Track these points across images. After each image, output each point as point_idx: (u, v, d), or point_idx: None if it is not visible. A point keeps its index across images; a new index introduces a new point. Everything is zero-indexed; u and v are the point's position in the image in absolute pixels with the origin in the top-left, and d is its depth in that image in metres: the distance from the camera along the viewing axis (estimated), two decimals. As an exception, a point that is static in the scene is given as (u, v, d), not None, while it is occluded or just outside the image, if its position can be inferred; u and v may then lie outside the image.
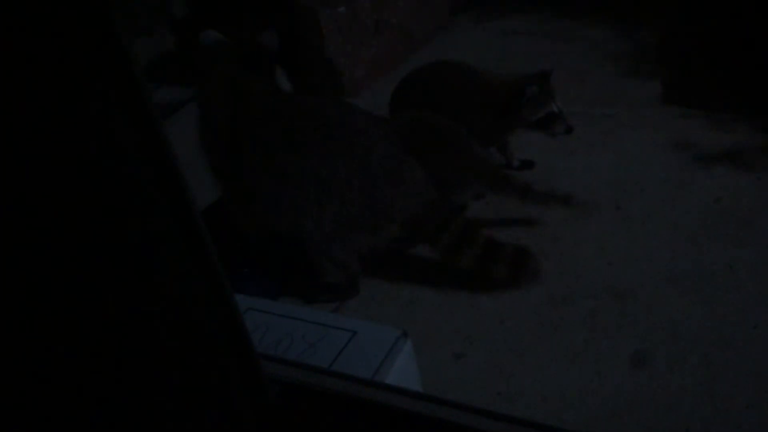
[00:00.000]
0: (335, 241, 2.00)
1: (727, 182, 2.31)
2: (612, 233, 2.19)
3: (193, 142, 2.11)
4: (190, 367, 0.62)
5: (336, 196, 1.93)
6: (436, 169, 2.06)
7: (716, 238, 2.10)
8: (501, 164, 2.56)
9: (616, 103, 2.85)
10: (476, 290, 2.04)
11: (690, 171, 2.40)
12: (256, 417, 0.68)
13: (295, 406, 0.74)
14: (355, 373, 1.21)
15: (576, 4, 3.63)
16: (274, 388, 0.72)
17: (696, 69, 2.95)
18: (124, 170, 0.52)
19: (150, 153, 0.52)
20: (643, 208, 2.27)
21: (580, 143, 2.59)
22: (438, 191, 2.04)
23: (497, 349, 1.86)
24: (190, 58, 2.44)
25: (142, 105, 0.51)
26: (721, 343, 1.77)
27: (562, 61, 3.08)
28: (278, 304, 1.86)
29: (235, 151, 2.03)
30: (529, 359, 1.82)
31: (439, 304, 2.04)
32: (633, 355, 1.78)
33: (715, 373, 1.70)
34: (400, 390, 0.78)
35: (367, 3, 3.17)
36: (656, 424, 1.61)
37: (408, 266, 2.19)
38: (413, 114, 2.30)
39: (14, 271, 0.52)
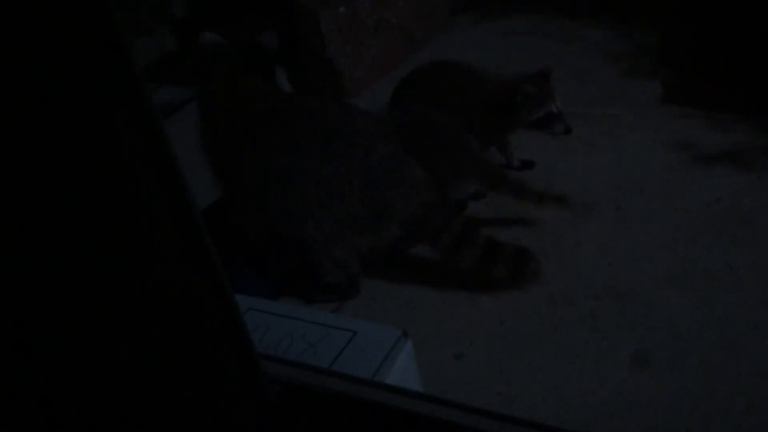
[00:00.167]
0: (335, 241, 2.00)
1: (728, 182, 2.31)
2: (612, 233, 2.19)
3: (193, 142, 2.11)
4: (190, 367, 0.62)
5: (336, 196, 1.93)
6: (432, 165, 2.05)
7: (716, 238, 2.10)
8: (501, 164, 2.56)
9: (617, 103, 2.85)
10: (476, 290, 2.04)
11: (690, 171, 2.40)
12: (256, 417, 0.68)
13: (296, 406, 0.74)
14: (356, 373, 1.21)
15: (576, 4, 3.63)
16: (274, 388, 0.72)
17: (696, 69, 2.95)
18: (124, 170, 0.52)
19: (150, 153, 0.52)
20: (643, 208, 2.27)
21: (580, 143, 2.59)
22: (435, 188, 2.05)
23: (497, 349, 1.86)
24: (190, 59, 2.44)
25: (142, 105, 0.51)
26: (721, 343, 1.77)
27: (563, 61, 3.08)
28: (278, 304, 1.86)
29: (235, 151, 2.03)
30: (529, 359, 1.82)
31: (439, 305, 2.04)
32: (633, 355, 1.78)
33: (715, 373, 1.70)
34: (400, 390, 0.78)
35: (367, 3, 3.17)
36: (656, 424, 1.61)
37: (408, 266, 2.19)
38: (409, 110, 2.31)
39: (14, 271, 0.52)
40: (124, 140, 0.51)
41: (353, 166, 1.92)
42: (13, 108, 0.47)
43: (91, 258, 0.53)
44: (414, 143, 2.06)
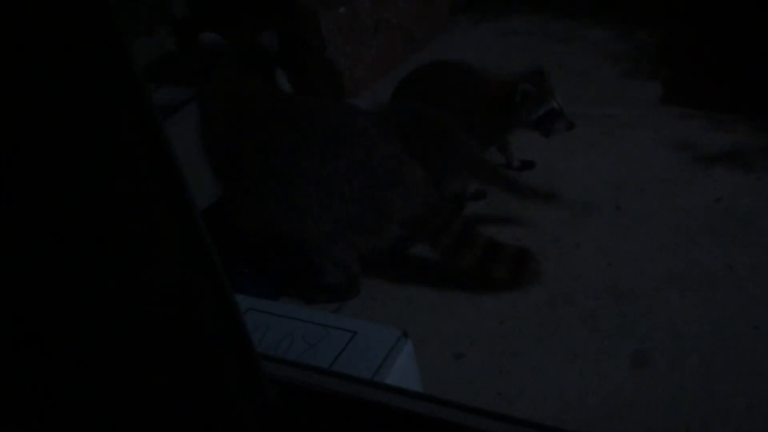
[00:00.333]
0: (335, 241, 2.00)
1: (728, 182, 2.31)
2: (612, 233, 2.19)
3: (193, 142, 2.11)
4: (190, 367, 0.62)
5: (336, 197, 1.93)
6: (424, 159, 2.05)
7: (716, 238, 2.10)
8: (501, 164, 2.56)
9: (617, 103, 2.84)
10: (476, 290, 2.04)
11: (690, 171, 2.40)
12: (256, 417, 0.68)
13: (296, 406, 0.74)
14: (356, 373, 1.22)
15: (576, 4, 3.62)
16: (274, 389, 0.72)
17: (696, 69, 2.95)
18: (124, 170, 0.52)
19: (150, 153, 0.52)
20: (643, 209, 2.27)
21: (580, 143, 2.59)
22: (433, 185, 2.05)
23: (497, 350, 1.86)
24: (190, 59, 2.44)
25: (142, 105, 0.51)
26: (721, 343, 1.77)
27: (563, 62, 3.08)
28: (278, 304, 1.86)
29: (235, 152, 2.03)
30: (529, 359, 1.82)
31: (440, 305, 2.04)
32: (633, 356, 1.78)
33: (715, 373, 1.70)
34: (401, 390, 0.78)
35: (367, 3, 3.17)
36: (656, 424, 1.61)
37: (408, 266, 2.19)
38: (401, 105, 2.31)
39: (16, 270, 0.52)
40: (124, 140, 0.51)
41: (353, 167, 1.92)
42: (14, 108, 0.47)
43: (91, 258, 0.53)
44: (407, 137, 2.06)
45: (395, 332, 1.39)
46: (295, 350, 1.40)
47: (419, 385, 1.44)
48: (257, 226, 2.14)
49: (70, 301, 0.54)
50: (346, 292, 2.11)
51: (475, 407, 0.71)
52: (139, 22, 3.45)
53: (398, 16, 3.33)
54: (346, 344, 1.39)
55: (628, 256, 2.09)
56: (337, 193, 1.93)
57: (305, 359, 1.36)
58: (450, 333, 1.93)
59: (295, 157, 1.94)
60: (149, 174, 0.52)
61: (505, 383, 1.76)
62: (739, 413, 1.59)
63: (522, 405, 1.70)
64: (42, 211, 0.51)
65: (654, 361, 1.75)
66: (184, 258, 0.57)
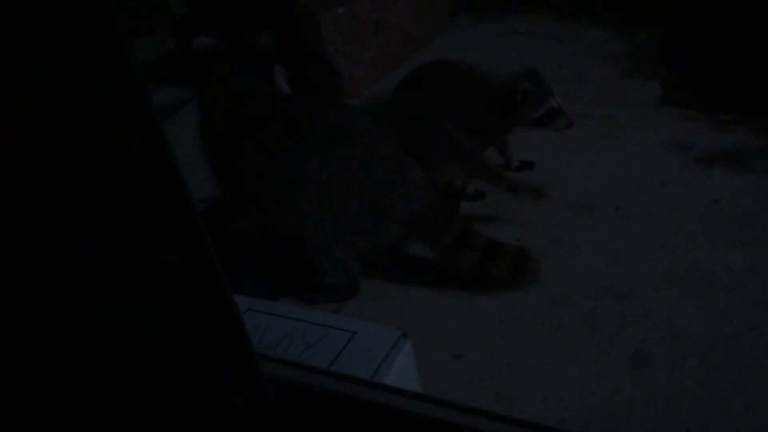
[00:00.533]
0: (335, 241, 2.00)
1: (727, 183, 2.31)
2: (611, 234, 2.19)
3: (193, 143, 2.11)
4: (189, 367, 0.62)
5: (336, 197, 1.93)
6: (410, 150, 2.05)
7: (716, 239, 2.10)
8: (500, 165, 2.56)
9: (616, 103, 2.84)
10: (476, 291, 2.04)
11: (690, 172, 2.40)
12: (255, 418, 0.68)
13: (295, 406, 0.74)
14: (355, 373, 1.22)
15: (576, 4, 3.62)
16: (273, 389, 0.72)
17: (696, 70, 2.94)
18: (122, 171, 0.52)
19: (149, 154, 0.52)
20: (643, 209, 2.27)
21: (580, 144, 2.59)
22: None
23: (497, 350, 1.86)
24: (188, 61, 2.44)
25: (141, 105, 0.51)
26: (720, 344, 1.77)
27: (562, 62, 3.08)
28: (278, 304, 1.86)
29: (235, 152, 2.03)
30: (528, 360, 1.82)
31: (439, 305, 2.04)
32: (632, 356, 1.78)
33: (714, 374, 1.70)
34: (400, 390, 0.78)
35: (366, 3, 3.17)
36: (656, 424, 1.61)
37: (408, 267, 2.19)
38: (387, 100, 2.31)
39: (14, 273, 0.52)
40: (122, 141, 0.51)
41: (353, 167, 1.92)
42: (12, 108, 0.47)
43: (88, 258, 0.53)
44: (395, 130, 2.06)
45: (395, 332, 1.39)
46: (295, 350, 1.40)
47: (418, 385, 1.44)
48: (257, 226, 2.14)
49: (67, 301, 0.54)
50: (346, 293, 2.11)
51: (475, 407, 0.71)
52: (138, 23, 3.45)
53: (398, 16, 3.33)
54: (346, 344, 1.39)
55: (627, 257, 2.09)
56: (337, 194, 1.93)
57: (304, 359, 1.36)
58: (449, 333, 1.93)
59: (295, 157, 1.94)
60: (148, 174, 0.52)
61: (504, 383, 1.76)
62: (738, 413, 1.59)
63: (521, 405, 1.70)
64: (39, 212, 0.51)
65: (653, 362, 1.75)
66: (183, 258, 0.57)
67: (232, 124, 2.05)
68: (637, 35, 3.28)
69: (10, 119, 0.47)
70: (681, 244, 2.10)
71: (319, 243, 2.00)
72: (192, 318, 0.60)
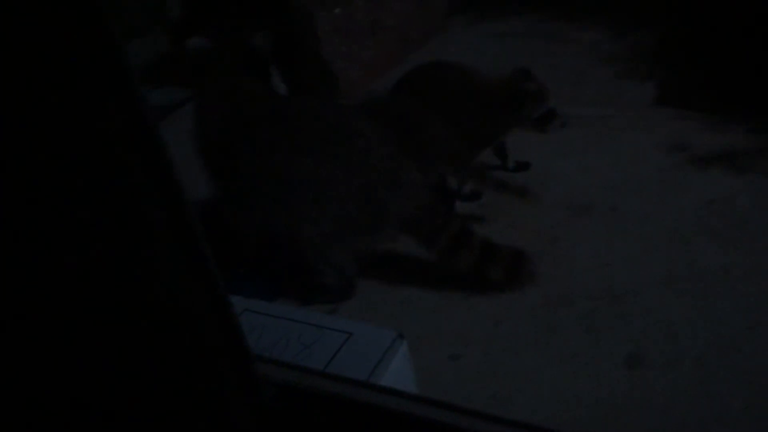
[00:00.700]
0: (332, 243, 2.00)
1: (722, 184, 2.32)
2: (607, 235, 2.19)
3: (189, 143, 2.10)
4: (184, 369, 0.62)
5: (333, 198, 1.93)
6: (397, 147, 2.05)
7: (711, 239, 2.10)
8: (496, 165, 2.56)
9: (612, 104, 2.85)
10: (472, 292, 2.04)
11: (685, 173, 2.41)
12: (251, 419, 0.68)
13: (291, 408, 0.74)
14: (351, 374, 1.21)
15: (572, 5, 3.63)
16: (269, 390, 0.72)
17: (691, 70, 2.95)
18: (118, 172, 0.52)
19: (144, 154, 0.52)
20: (639, 210, 2.27)
21: (576, 144, 2.59)
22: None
23: (493, 351, 1.86)
24: (184, 61, 2.44)
25: (137, 106, 0.51)
26: (716, 344, 1.77)
27: (558, 63, 3.08)
28: (274, 305, 1.85)
29: (231, 153, 2.03)
30: (525, 361, 1.82)
31: (435, 306, 2.04)
32: (628, 357, 1.78)
33: (710, 374, 1.70)
34: (396, 392, 0.78)
35: (363, 4, 3.17)
36: (652, 425, 1.61)
37: (404, 268, 2.18)
38: (375, 98, 2.31)
39: (7, 273, 0.52)
40: (117, 142, 0.51)
41: (351, 168, 1.92)
42: (6, 109, 0.47)
43: (83, 259, 0.53)
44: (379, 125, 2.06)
45: (391, 333, 1.39)
46: (291, 351, 1.39)
47: (415, 386, 1.44)
48: (253, 227, 2.13)
49: (62, 302, 0.54)
50: (342, 294, 2.11)
51: (471, 409, 0.71)
52: (135, 24, 3.44)
53: (394, 17, 3.33)
54: (342, 345, 1.39)
55: (623, 258, 2.09)
56: (334, 195, 1.93)
57: (301, 360, 1.36)
58: (446, 334, 1.93)
59: (292, 158, 1.94)
60: (143, 175, 0.52)
61: (500, 384, 1.76)
62: (734, 414, 1.59)
63: (518, 406, 1.70)
64: (33, 213, 0.50)
65: (649, 362, 1.76)
66: (179, 259, 0.57)
67: (228, 124, 2.04)
68: (633, 36, 3.29)
69: (5, 120, 0.47)
70: (677, 245, 2.10)
71: (315, 244, 2.00)
72: (187, 319, 0.60)
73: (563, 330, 1.89)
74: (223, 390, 0.65)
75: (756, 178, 2.31)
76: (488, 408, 1.48)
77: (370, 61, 3.26)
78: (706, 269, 2.00)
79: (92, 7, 0.47)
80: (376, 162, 1.94)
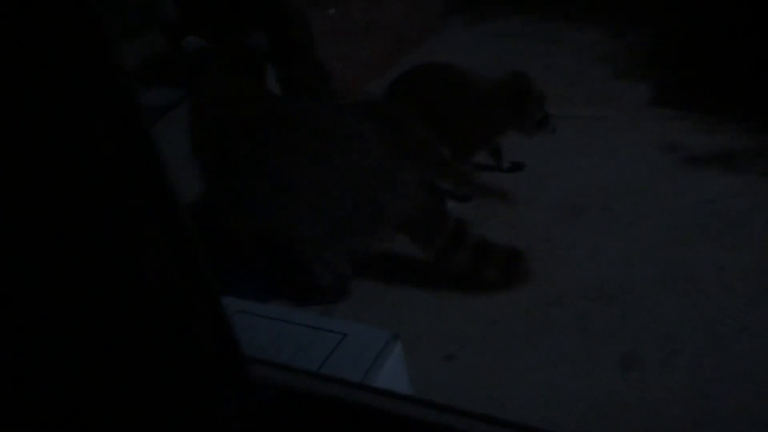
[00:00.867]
0: (328, 244, 2.00)
1: (717, 184, 2.32)
2: (603, 235, 2.20)
3: (184, 144, 2.10)
4: (177, 370, 0.62)
5: (329, 199, 1.93)
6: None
7: (706, 240, 2.11)
8: (491, 166, 2.56)
9: (607, 104, 2.85)
10: (467, 292, 2.04)
11: (681, 173, 2.41)
12: (244, 421, 0.68)
13: (285, 409, 0.73)
14: (345, 375, 1.21)
15: (568, 6, 3.64)
16: (263, 392, 0.72)
17: (687, 71, 2.96)
18: (111, 173, 0.51)
19: (137, 156, 0.52)
20: (634, 210, 2.27)
21: (571, 145, 2.60)
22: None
23: (488, 351, 1.86)
24: (179, 61, 2.44)
25: (131, 108, 0.51)
26: (711, 345, 1.77)
27: (554, 63, 3.09)
28: (268, 306, 1.85)
29: (226, 155, 2.02)
30: (519, 361, 1.82)
31: (430, 306, 2.04)
32: (623, 357, 1.78)
33: (705, 375, 1.70)
34: (390, 393, 0.78)
35: (358, 4, 3.17)
36: (646, 425, 1.61)
37: (399, 268, 2.18)
38: (361, 100, 2.30)
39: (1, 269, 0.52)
40: (110, 143, 0.50)
41: (346, 169, 1.92)
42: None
43: (76, 260, 0.53)
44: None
45: (385, 334, 1.39)
46: (285, 353, 1.39)
47: (409, 387, 1.44)
48: (248, 228, 2.13)
49: (55, 302, 0.54)
50: (337, 295, 2.11)
51: (466, 410, 0.71)
52: (130, 25, 3.44)
53: (390, 17, 3.33)
54: (336, 346, 1.39)
55: (618, 258, 2.10)
56: (330, 195, 1.93)
57: (295, 362, 1.36)
58: (440, 335, 1.93)
59: (288, 159, 1.93)
60: (136, 176, 0.52)
61: (495, 385, 1.76)
62: (728, 414, 1.60)
63: (512, 407, 1.70)
64: (27, 214, 0.50)
65: (644, 363, 1.76)
66: (172, 260, 0.57)
67: (223, 125, 2.04)
68: (630, 36, 3.29)
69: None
70: (672, 245, 2.11)
71: (311, 245, 2.00)
72: (180, 321, 0.60)
73: (558, 330, 1.89)
74: (217, 392, 0.65)
75: (751, 179, 2.32)
76: (483, 408, 1.48)
77: (366, 61, 3.26)
78: (702, 269, 2.01)
79: (87, 8, 0.47)
80: (372, 162, 1.94)
